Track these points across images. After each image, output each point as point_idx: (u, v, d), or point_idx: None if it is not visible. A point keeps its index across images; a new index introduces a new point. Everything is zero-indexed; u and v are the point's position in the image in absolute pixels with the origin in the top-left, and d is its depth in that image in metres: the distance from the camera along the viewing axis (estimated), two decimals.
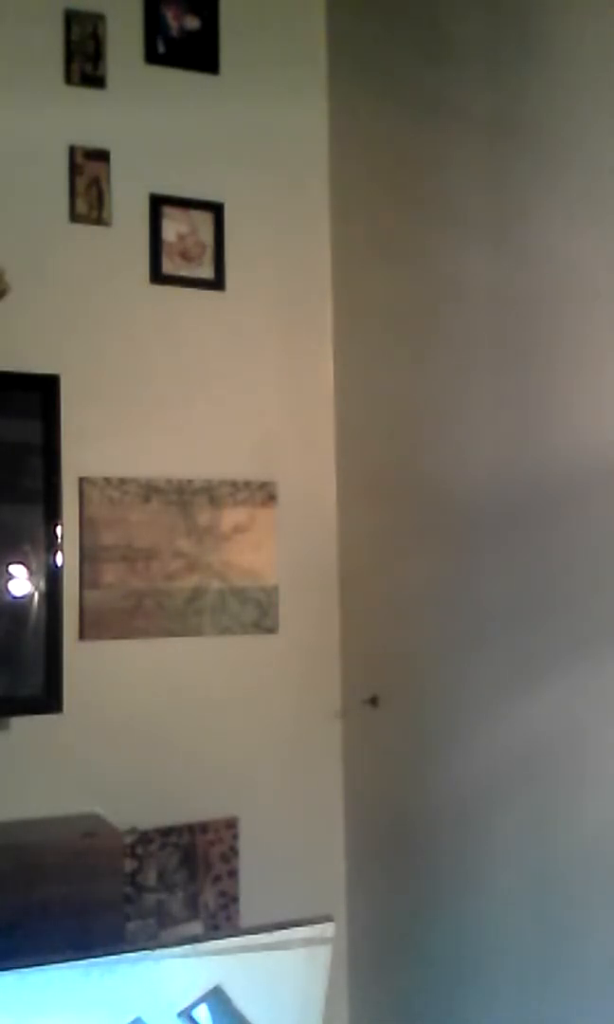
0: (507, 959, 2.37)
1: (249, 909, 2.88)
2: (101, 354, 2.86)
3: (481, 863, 2.46)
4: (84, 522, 2.80)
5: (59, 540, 2.69)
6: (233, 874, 2.89)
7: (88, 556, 2.80)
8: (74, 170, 2.85)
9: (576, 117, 2.19)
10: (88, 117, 2.89)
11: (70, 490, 2.77)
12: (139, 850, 2.78)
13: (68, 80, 2.86)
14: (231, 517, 2.97)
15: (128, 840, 2.74)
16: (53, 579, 2.67)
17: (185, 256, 2.98)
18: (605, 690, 2.10)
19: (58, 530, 2.69)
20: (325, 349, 3.16)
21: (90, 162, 2.86)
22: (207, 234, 3.00)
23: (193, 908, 2.85)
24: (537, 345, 2.31)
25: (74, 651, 2.72)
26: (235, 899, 2.89)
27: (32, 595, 2.67)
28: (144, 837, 2.78)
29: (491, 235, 2.45)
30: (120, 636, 2.82)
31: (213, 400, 2.99)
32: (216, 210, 3.01)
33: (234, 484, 2.98)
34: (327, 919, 1.56)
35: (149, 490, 2.88)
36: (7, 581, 2.65)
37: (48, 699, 2.64)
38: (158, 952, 1.47)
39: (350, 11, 3.11)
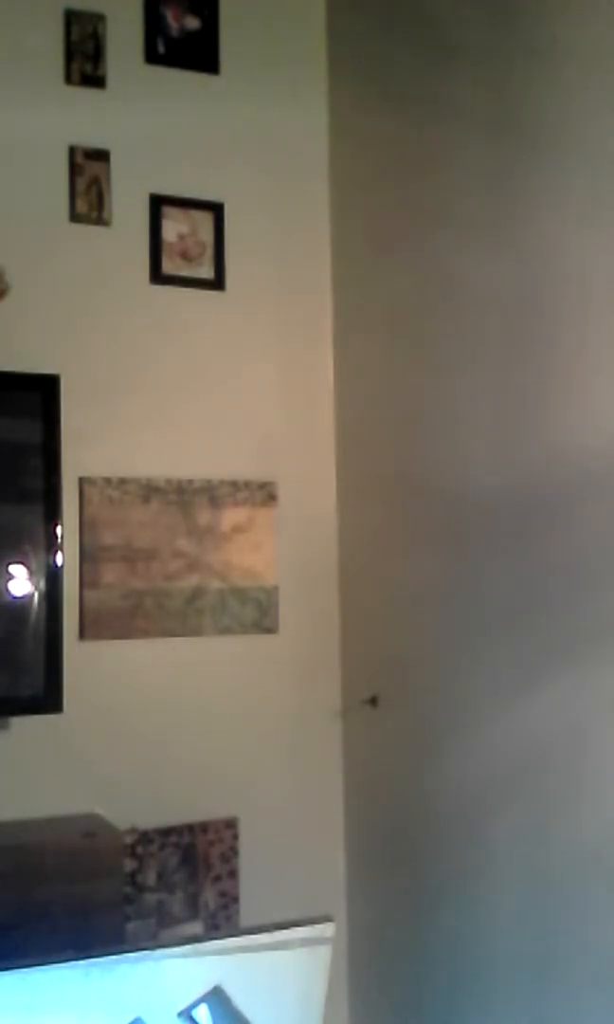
0: (507, 959, 2.37)
1: (249, 909, 2.88)
2: (101, 354, 2.86)
3: (481, 863, 2.46)
4: (84, 522, 2.80)
5: (59, 540, 2.69)
6: (233, 874, 2.89)
7: (88, 556, 2.80)
8: (74, 170, 2.85)
9: (576, 117, 2.19)
10: (88, 117, 2.89)
11: (70, 490, 2.77)
12: (139, 850, 2.78)
13: (68, 80, 2.86)
14: (231, 517, 2.97)
15: (128, 840, 2.74)
16: (53, 579, 2.67)
17: (185, 256, 2.98)
18: (605, 690, 2.10)
19: (58, 530, 2.69)
20: (325, 349, 3.16)
21: (90, 162, 2.86)
22: (207, 234, 3.00)
23: (193, 908, 2.84)
24: (536, 345, 2.31)
25: (74, 651, 2.72)
26: (235, 899, 2.89)
27: (32, 595, 2.67)
28: (144, 837, 2.78)
29: (491, 235, 2.45)
30: (120, 636, 2.82)
31: (213, 400, 2.99)
32: (216, 210, 3.01)
33: (234, 484, 2.98)
34: (327, 919, 1.56)
35: (149, 490, 2.88)
36: (7, 581, 2.65)
37: (48, 699, 2.64)
38: (158, 952, 1.47)
39: (350, 11, 3.11)
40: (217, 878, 2.88)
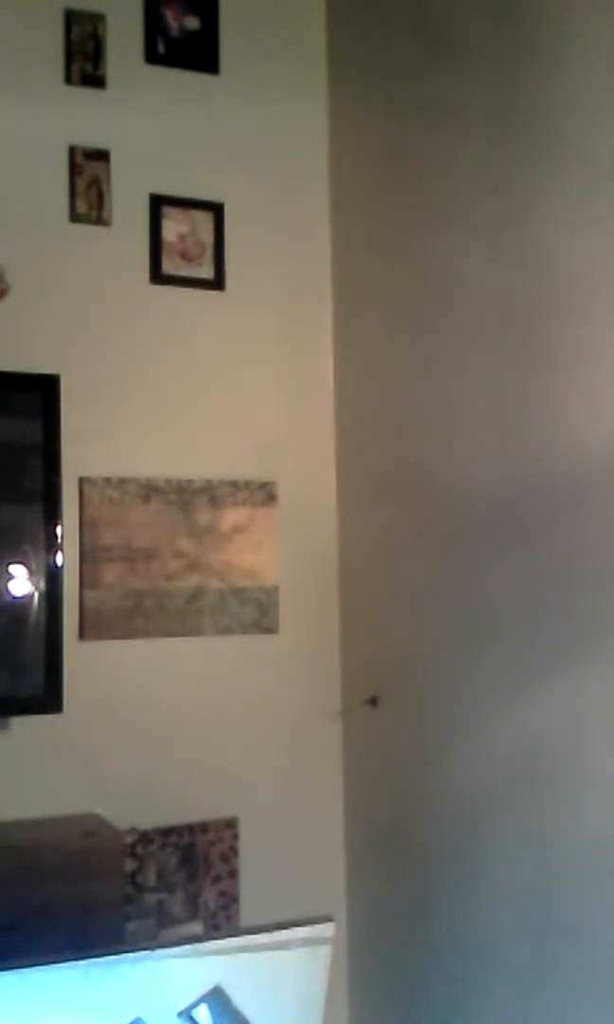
0: (507, 959, 2.37)
1: (249, 909, 2.88)
2: (101, 354, 2.86)
3: (481, 863, 2.46)
4: (84, 522, 2.80)
5: (59, 540, 2.69)
6: (233, 874, 2.89)
7: (88, 556, 2.80)
8: (74, 170, 2.85)
9: (576, 117, 2.19)
10: (88, 117, 2.88)
11: (70, 490, 2.77)
12: (139, 850, 2.77)
13: (68, 80, 2.86)
14: (231, 517, 2.97)
15: (128, 840, 2.74)
16: (53, 579, 2.67)
17: (185, 256, 2.98)
18: (605, 690, 2.10)
19: (58, 530, 2.69)
20: (325, 349, 3.16)
21: (90, 162, 2.86)
22: (207, 234, 3.00)
23: (193, 908, 2.84)
24: (536, 345, 2.31)
25: (74, 651, 2.72)
26: (235, 899, 2.89)
27: (32, 595, 2.66)
28: (144, 837, 2.78)
29: (491, 235, 2.45)
30: (120, 636, 2.82)
31: (213, 400, 2.99)
32: (216, 210, 3.01)
33: (234, 484, 2.98)
34: (327, 919, 1.56)
35: (149, 490, 2.88)
36: (7, 581, 2.65)
37: (48, 699, 2.64)
38: (158, 952, 1.47)
39: (350, 11, 3.11)
40: (217, 878, 2.88)
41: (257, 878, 2.90)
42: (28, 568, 2.67)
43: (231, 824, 2.90)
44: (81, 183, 2.86)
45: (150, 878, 2.79)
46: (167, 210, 2.96)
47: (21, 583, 2.66)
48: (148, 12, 2.98)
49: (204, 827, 2.87)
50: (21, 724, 2.67)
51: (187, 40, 3.01)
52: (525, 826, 2.32)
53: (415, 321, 2.77)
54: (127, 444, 2.88)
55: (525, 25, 2.34)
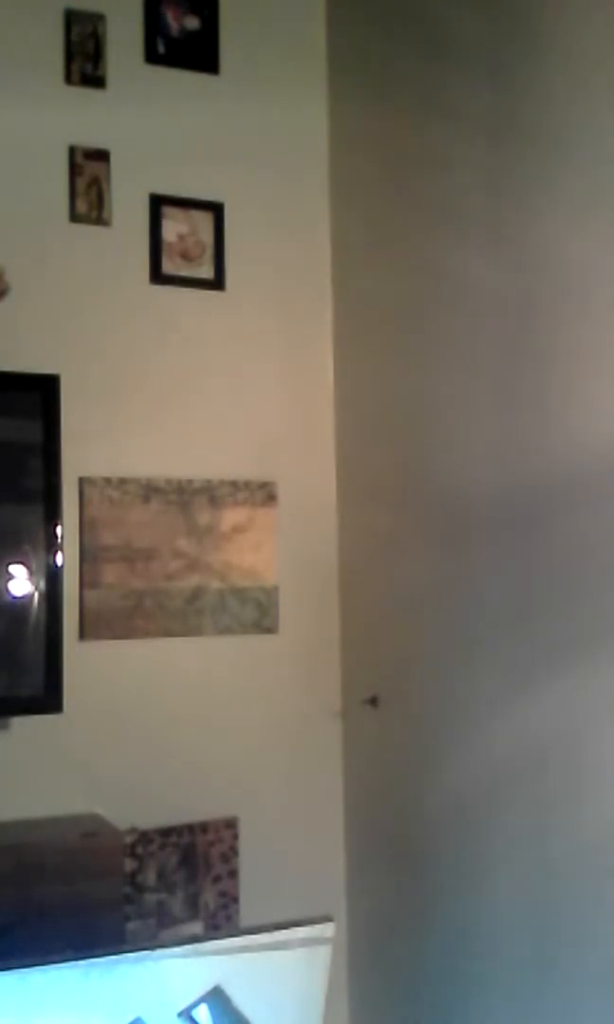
0: (506, 959, 2.37)
1: (249, 909, 2.88)
2: (101, 354, 2.86)
3: (481, 863, 2.46)
4: (84, 522, 2.80)
5: (59, 540, 2.69)
6: (233, 874, 2.89)
7: (88, 556, 2.80)
8: (74, 170, 2.85)
9: (576, 117, 2.19)
10: (88, 117, 2.89)
11: (70, 490, 2.77)
12: (139, 850, 2.77)
13: (68, 80, 2.86)
14: (231, 517, 2.97)
15: (128, 840, 2.74)
16: (53, 579, 2.67)
17: (185, 256, 2.98)
18: (605, 690, 2.10)
19: (58, 530, 2.69)
20: (325, 349, 3.16)
21: (90, 162, 2.86)
22: (207, 234, 3.00)
23: (193, 908, 2.84)
24: (536, 345, 2.31)
25: (74, 651, 2.72)
26: (235, 899, 2.89)
27: (32, 595, 2.67)
28: (144, 837, 2.78)
29: (491, 235, 2.45)
30: (120, 636, 2.82)
31: (213, 400, 2.99)
32: (216, 210, 3.01)
33: (234, 484, 2.98)
34: (327, 919, 1.56)
35: (149, 490, 2.88)
36: (7, 581, 2.65)
37: (48, 699, 2.64)
38: (158, 952, 1.47)
39: (350, 11, 3.11)
40: (217, 878, 2.88)
41: (257, 878, 2.90)
42: (28, 568, 2.67)
43: (231, 824, 2.90)
44: (81, 183, 2.86)
45: (150, 878, 2.79)
46: (167, 210, 2.96)
47: (21, 583, 2.66)
48: (148, 12, 2.98)
49: (204, 827, 2.87)
50: (21, 724, 2.67)
51: (187, 40, 3.01)
52: (525, 826, 2.32)
53: (415, 321, 2.77)
54: (127, 444, 2.88)
55: (525, 25, 2.34)
